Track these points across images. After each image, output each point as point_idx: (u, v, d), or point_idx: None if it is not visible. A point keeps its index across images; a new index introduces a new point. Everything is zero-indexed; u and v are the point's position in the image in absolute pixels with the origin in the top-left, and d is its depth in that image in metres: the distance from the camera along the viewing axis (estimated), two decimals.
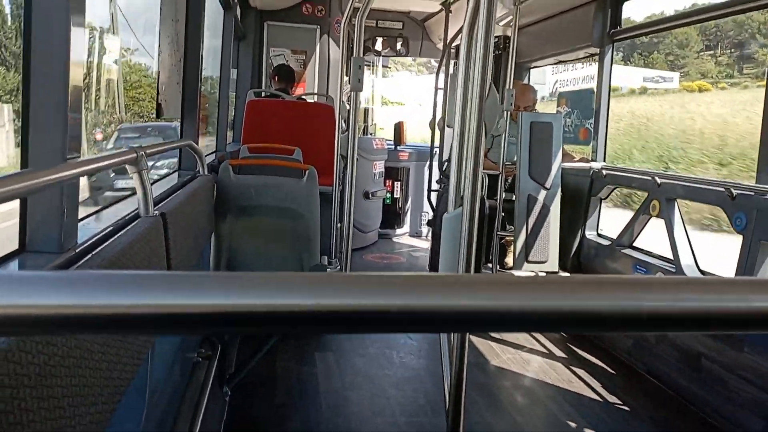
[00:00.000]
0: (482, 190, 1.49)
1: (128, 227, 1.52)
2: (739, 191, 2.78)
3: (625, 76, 18.03)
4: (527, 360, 3.40)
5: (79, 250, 1.33)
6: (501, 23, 5.20)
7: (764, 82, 4.02)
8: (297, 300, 0.39)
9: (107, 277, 0.39)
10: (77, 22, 1.26)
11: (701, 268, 3.13)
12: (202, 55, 2.86)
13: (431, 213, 5.78)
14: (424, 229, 6.54)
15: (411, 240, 6.49)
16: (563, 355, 3.50)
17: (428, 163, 5.86)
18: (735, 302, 0.42)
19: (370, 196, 5.78)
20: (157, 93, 2.43)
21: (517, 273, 3.99)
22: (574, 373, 3.25)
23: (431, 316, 0.40)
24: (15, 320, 0.37)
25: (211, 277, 0.40)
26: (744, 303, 0.41)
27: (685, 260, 3.13)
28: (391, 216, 6.47)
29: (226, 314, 0.39)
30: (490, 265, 4.05)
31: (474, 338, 3.48)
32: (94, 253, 1.29)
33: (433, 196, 5.68)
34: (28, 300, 0.37)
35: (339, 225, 3.60)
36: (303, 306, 0.39)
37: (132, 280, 0.39)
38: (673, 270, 3.16)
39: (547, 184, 3.96)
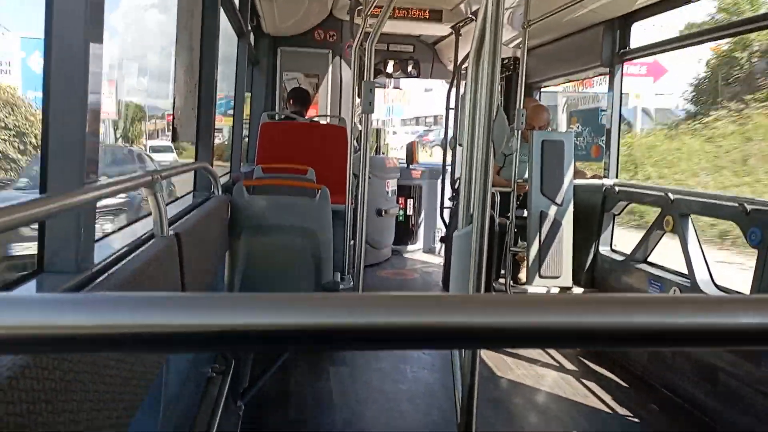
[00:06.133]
0: (492, 209, 1.50)
1: (143, 247, 1.56)
2: (752, 206, 2.78)
3: None
4: (540, 374, 3.39)
5: (95, 270, 1.35)
6: (511, 45, 5.24)
7: None
8: (314, 319, 0.41)
9: (121, 298, 0.41)
10: (96, 46, 1.28)
11: (717, 282, 3.11)
12: (216, 81, 2.94)
13: (444, 229, 5.80)
14: (437, 245, 6.55)
15: (424, 256, 6.50)
16: (577, 368, 3.47)
17: (440, 180, 5.89)
18: (754, 319, 0.42)
19: (383, 213, 5.82)
20: (173, 118, 2.48)
21: (530, 288, 3.98)
22: (588, 387, 3.23)
23: (439, 334, 0.42)
24: (33, 339, 0.39)
25: (218, 298, 0.42)
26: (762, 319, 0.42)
27: (701, 275, 3.10)
28: (404, 233, 6.50)
29: (236, 333, 0.40)
30: (502, 280, 4.05)
31: (487, 353, 3.47)
32: (109, 273, 1.31)
33: (446, 213, 5.70)
34: (44, 320, 0.39)
35: (352, 242, 3.63)
36: (319, 325, 0.41)
37: (145, 301, 0.41)
38: (689, 285, 3.14)
39: (559, 201, 3.97)
